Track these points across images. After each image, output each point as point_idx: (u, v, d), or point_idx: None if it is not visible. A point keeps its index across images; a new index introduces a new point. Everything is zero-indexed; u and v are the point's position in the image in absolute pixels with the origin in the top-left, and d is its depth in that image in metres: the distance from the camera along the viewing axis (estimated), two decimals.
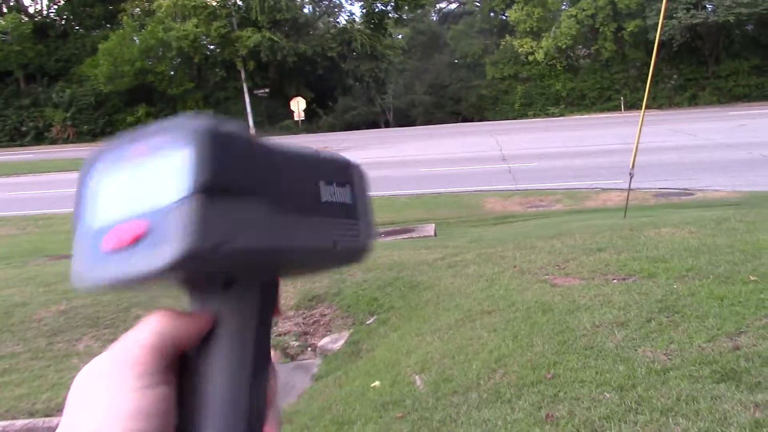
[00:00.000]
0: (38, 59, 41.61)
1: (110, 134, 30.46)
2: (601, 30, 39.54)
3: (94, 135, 41.60)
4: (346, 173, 0.62)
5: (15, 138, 41.56)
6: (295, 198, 0.55)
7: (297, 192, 0.55)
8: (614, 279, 5.41)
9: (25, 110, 41.76)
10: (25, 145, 40.32)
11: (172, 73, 41.31)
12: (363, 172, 0.64)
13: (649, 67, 9.38)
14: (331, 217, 0.57)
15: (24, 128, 41.73)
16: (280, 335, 6.01)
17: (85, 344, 6.01)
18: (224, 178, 0.48)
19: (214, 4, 40.72)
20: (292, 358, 5.79)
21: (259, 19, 39.73)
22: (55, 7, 46.56)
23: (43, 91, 42.12)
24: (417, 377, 4.22)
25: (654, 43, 9.46)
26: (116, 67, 38.34)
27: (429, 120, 46.27)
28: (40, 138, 41.40)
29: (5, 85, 42.36)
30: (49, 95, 41.75)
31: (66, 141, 40.76)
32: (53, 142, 40.84)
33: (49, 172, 24.87)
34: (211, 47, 42.06)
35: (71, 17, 46.35)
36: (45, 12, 46.21)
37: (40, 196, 19.25)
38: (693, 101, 38.68)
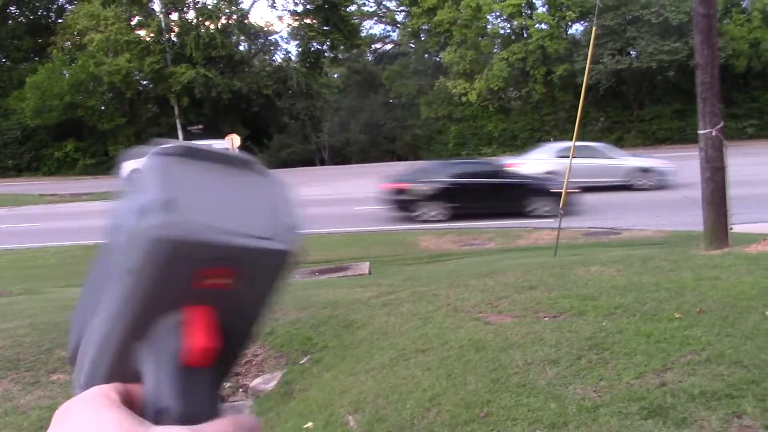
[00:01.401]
0: None
1: (36, 169, 29.56)
2: (531, 73, 40.70)
3: (19, 170, 40.41)
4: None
5: None
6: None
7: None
8: (545, 317, 5.48)
9: None
10: None
11: (102, 107, 40.58)
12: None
13: (577, 110, 9.66)
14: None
15: None
16: None
17: (4, 388, 5.74)
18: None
19: (148, 39, 40.37)
20: (223, 399, 5.65)
21: (193, 55, 39.52)
22: None
23: None
24: (350, 418, 4.17)
25: (582, 87, 9.76)
26: (44, 100, 37.45)
27: (364, 158, 46.61)
28: None
29: None
30: None
31: None
32: None
33: None
34: (144, 82, 41.58)
35: None
36: None
37: None
38: (619, 143, 39.89)
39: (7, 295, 10.15)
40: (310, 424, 4.27)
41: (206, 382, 0.55)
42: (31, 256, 14.98)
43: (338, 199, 21.69)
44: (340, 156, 49.75)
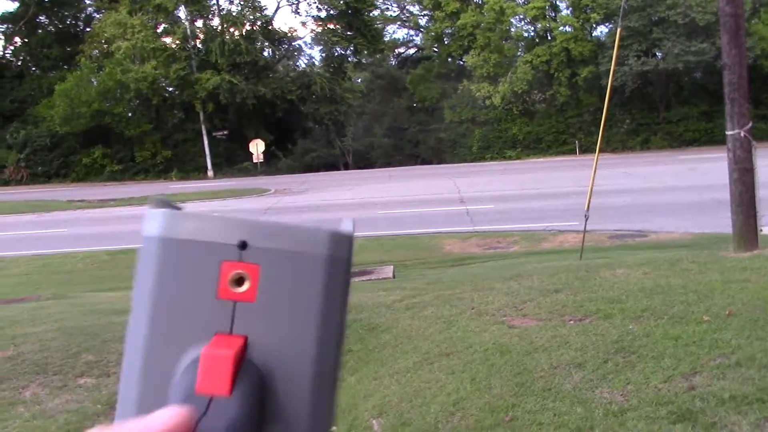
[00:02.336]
0: None
1: (65, 176, 29.99)
2: (555, 75, 40.47)
3: (48, 176, 40.96)
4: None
5: None
6: None
7: None
8: (571, 320, 5.43)
9: None
10: None
11: (129, 114, 41.00)
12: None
13: (602, 112, 9.58)
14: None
15: None
16: None
17: (32, 392, 5.80)
18: None
19: (174, 46, 40.74)
20: None
21: (218, 61, 39.82)
22: (12, 48, 46.15)
23: None
24: (375, 422, 4.15)
25: (607, 89, 9.69)
26: (73, 108, 37.95)
27: (388, 162, 46.63)
28: None
29: None
30: (2, 136, 41.07)
31: (20, 182, 40.03)
32: (6, 183, 40.06)
33: (1, 213, 24.32)
34: (170, 89, 41.95)
35: (28, 58, 45.96)
36: (1, 53, 45.75)
37: None
38: (645, 145, 39.62)
39: (36, 299, 10.27)
40: (334, 428, 4.25)
41: None
42: (59, 261, 15.16)
43: (362, 203, 21.71)
44: (364, 160, 49.83)
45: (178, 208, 0.52)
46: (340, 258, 0.54)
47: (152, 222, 0.52)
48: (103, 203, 26.76)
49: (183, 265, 0.50)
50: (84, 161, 40.77)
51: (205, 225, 0.50)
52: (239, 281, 0.49)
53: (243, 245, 0.49)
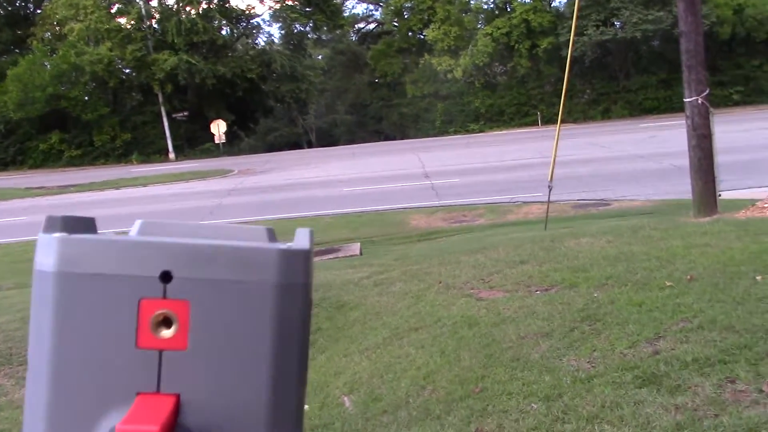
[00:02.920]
0: None
1: (22, 163, 29.27)
2: (516, 47, 40.54)
3: (5, 164, 40.07)
4: None
5: None
6: None
7: None
8: (537, 290, 5.49)
9: None
10: None
11: (86, 98, 40.20)
12: None
13: (563, 83, 9.63)
14: None
15: None
16: None
17: None
18: None
19: (129, 27, 39.93)
20: None
21: (175, 41, 39.14)
22: None
23: None
24: (346, 398, 4.17)
25: (567, 60, 9.72)
26: (26, 93, 37.06)
27: (352, 139, 46.48)
28: None
29: None
30: None
31: None
32: None
33: None
34: (127, 71, 41.19)
35: None
36: None
37: None
38: (606, 115, 39.99)
39: None
40: (305, 406, 4.26)
41: None
42: (20, 250, 14.88)
43: (327, 180, 21.62)
44: (328, 138, 49.60)
45: (85, 228, 0.41)
46: (295, 283, 0.41)
47: (45, 252, 0.41)
48: (63, 189, 26.29)
49: (89, 308, 0.38)
50: (41, 147, 39.94)
51: (115, 252, 0.39)
52: (165, 323, 0.39)
53: (166, 277, 0.39)
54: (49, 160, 39.98)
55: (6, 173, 38.28)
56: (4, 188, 28.11)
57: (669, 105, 37.83)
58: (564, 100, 9.71)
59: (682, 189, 10.88)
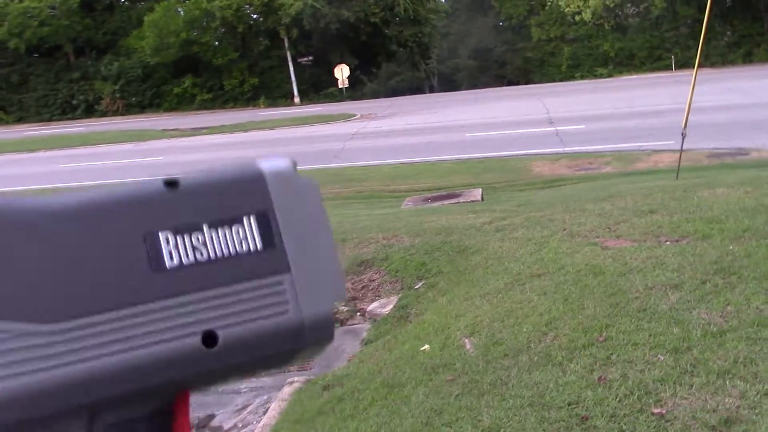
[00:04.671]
0: (86, 33, 42.18)
1: (158, 106, 30.81)
2: None
3: (142, 107, 42.20)
4: (245, 195, 0.38)
5: (66, 111, 42.37)
6: (90, 288, 0.33)
7: (88, 276, 0.33)
8: (667, 241, 5.30)
9: (76, 84, 42.50)
10: (77, 118, 41.09)
11: (216, 43, 41.50)
12: (306, 180, 0.40)
13: (701, 24, 9.08)
14: (197, 290, 0.35)
15: (75, 101, 42.50)
16: None
17: None
18: None
19: None
20: (342, 323, 5.84)
21: None
22: None
23: (92, 65, 42.75)
24: (467, 341, 4.21)
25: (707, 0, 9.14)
26: (162, 38, 38.68)
27: (474, 84, 45.80)
28: (90, 111, 42.14)
29: (55, 60, 43.11)
30: (98, 68, 42.37)
31: (116, 113, 41.42)
32: (103, 114, 41.53)
33: (100, 143, 25.32)
34: (255, 16, 42.05)
35: None
36: None
37: (92, 167, 19.63)
38: (747, 59, 37.43)
39: None
40: (426, 346, 4.35)
41: None
42: None
43: (448, 126, 21.49)
44: (450, 83, 49.06)
45: None
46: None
47: None
48: (195, 131, 27.45)
49: None
50: (175, 91, 41.73)
51: None
52: None
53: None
54: (183, 103, 41.76)
55: (143, 115, 40.34)
56: (143, 129, 29.66)
57: None
58: (702, 43, 9.16)
59: None
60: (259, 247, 0.37)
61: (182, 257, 0.35)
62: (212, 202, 0.37)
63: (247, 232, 0.37)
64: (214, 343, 0.35)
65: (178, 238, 0.35)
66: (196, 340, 0.35)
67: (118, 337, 0.33)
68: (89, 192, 0.36)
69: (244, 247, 0.37)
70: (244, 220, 0.37)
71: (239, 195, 0.38)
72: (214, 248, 0.36)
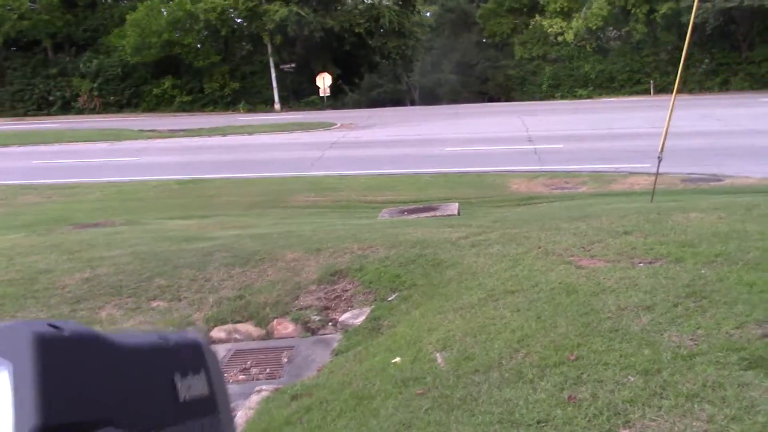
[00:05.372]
0: (66, 29, 41.79)
1: (136, 106, 30.64)
2: (632, 11, 38.90)
3: (120, 106, 41.85)
4: (199, 355, 0.49)
5: (42, 107, 41.90)
6: (152, 408, 0.42)
7: (154, 399, 0.43)
8: (641, 262, 5.33)
9: (53, 80, 42.06)
10: (52, 114, 40.64)
11: (199, 45, 41.31)
12: (212, 348, 0.52)
13: (680, 51, 9.20)
14: (192, 418, 0.46)
15: (51, 97, 42.05)
16: (301, 309, 6.01)
17: (108, 312, 6.05)
18: (66, 413, 0.35)
19: None
20: (313, 332, 5.80)
21: None
22: None
23: (71, 61, 42.34)
24: (438, 355, 4.19)
25: (687, 26, 9.26)
26: (143, 38, 38.45)
27: (455, 99, 46.04)
28: (66, 107, 41.71)
29: (33, 54, 42.65)
30: (76, 65, 41.98)
31: (93, 111, 41.04)
32: (80, 111, 41.13)
33: (75, 141, 25.06)
34: (239, 20, 41.96)
35: None
36: None
37: (66, 165, 19.41)
38: (724, 86, 38.04)
39: (111, 225, 10.62)
40: (398, 359, 4.32)
41: None
42: (132, 188, 15.59)
43: (428, 139, 21.55)
44: (431, 96, 49.27)
45: None
46: None
47: None
48: (172, 133, 27.27)
49: None
50: (154, 91, 41.46)
51: None
52: None
53: None
54: (162, 104, 41.49)
55: (121, 115, 40.00)
56: (119, 128, 29.41)
57: None
58: (682, 69, 9.27)
59: None
60: (206, 392, 0.49)
61: (183, 394, 0.46)
62: (187, 355, 0.48)
63: (202, 379, 0.48)
64: None
65: (180, 380, 0.46)
66: None
67: None
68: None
69: (203, 391, 0.48)
70: (201, 370, 0.49)
71: (196, 352, 0.49)
72: (194, 389, 0.47)
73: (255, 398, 4.35)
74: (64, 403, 0.35)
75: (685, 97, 31.81)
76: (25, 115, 40.84)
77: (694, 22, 9.16)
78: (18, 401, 0.34)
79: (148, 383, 0.43)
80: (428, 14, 53.44)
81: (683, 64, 9.25)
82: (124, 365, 0.40)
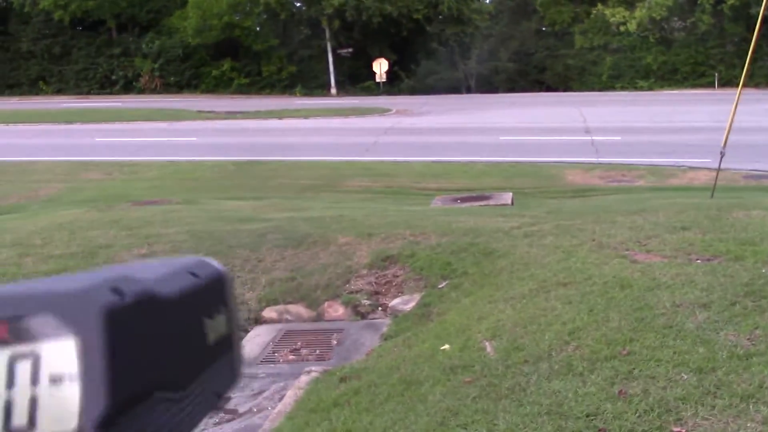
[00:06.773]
0: (130, 9, 42.54)
1: (195, 87, 31.01)
2: (699, 2, 37.82)
3: (180, 86, 42.51)
4: (223, 289, 0.47)
5: (105, 86, 42.85)
6: (189, 359, 0.42)
7: (191, 349, 0.42)
8: (698, 259, 5.22)
9: (116, 59, 42.93)
10: (114, 94, 41.53)
11: (258, 28, 41.67)
12: (230, 277, 0.49)
13: (748, 43, 8.94)
14: (217, 360, 0.45)
15: (114, 77, 42.95)
16: (352, 293, 6.06)
17: None
18: (131, 387, 0.36)
19: None
20: (363, 316, 5.84)
21: None
22: None
23: (134, 42, 43.14)
24: (487, 344, 4.18)
25: (756, 18, 8.99)
26: (204, 20, 38.94)
27: (512, 88, 45.50)
28: (128, 87, 42.56)
29: (98, 34, 43.58)
30: (139, 45, 42.75)
31: (153, 91, 41.78)
32: (141, 91, 41.92)
33: (135, 120, 25.60)
34: (298, 4, 42.17)
35: None
36: None
37: (126, 143, 19.85)
38: None
39: (168, 203, 10.85)
40: (447, 346, 4.33)
41: None
42: (189, 168, 15.87)
43: (483, 128, 21.40)
44: (487, 84, 48.75)
45: None
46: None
47: None
48: (230, 115, 27.63)
49: None
50: (213, 73, 41.98)
51: None
52: None
53: None
54: (220, 86, 42.01)
55: (181, 95, 40.67)
56: (178, 109, 29.92)
57: None
58: (749, 62, 9.01)
59: None
60: (225, 330, 0.47)
61: (212, 337, 0.45)
62: (213, 295, 0.47)
63: (223, 318, 0.47)
64: (219, 402, 0.48)
65: (209, 323, 0.45)
66: (215, 399, 0.47)
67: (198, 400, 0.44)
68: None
69: (223, 330, 0.46)
70: (222, 308, 0.47)
71: (219, 289, 0.47)
72: (218, 329, 0.46)
73: (304, 379, 4.41)
74: (129, 376, 0.35)
75: (750, 91, 30.84)
76: (89, 93, 41.82)
77: (764, 14, 8.89)
78: (86, 380, 0.34)
79: (187, 333, 0.42)
80: (488, 1, 52.90)
81: (750, 57, 8.99)
82: (172, 320, 0.40)
